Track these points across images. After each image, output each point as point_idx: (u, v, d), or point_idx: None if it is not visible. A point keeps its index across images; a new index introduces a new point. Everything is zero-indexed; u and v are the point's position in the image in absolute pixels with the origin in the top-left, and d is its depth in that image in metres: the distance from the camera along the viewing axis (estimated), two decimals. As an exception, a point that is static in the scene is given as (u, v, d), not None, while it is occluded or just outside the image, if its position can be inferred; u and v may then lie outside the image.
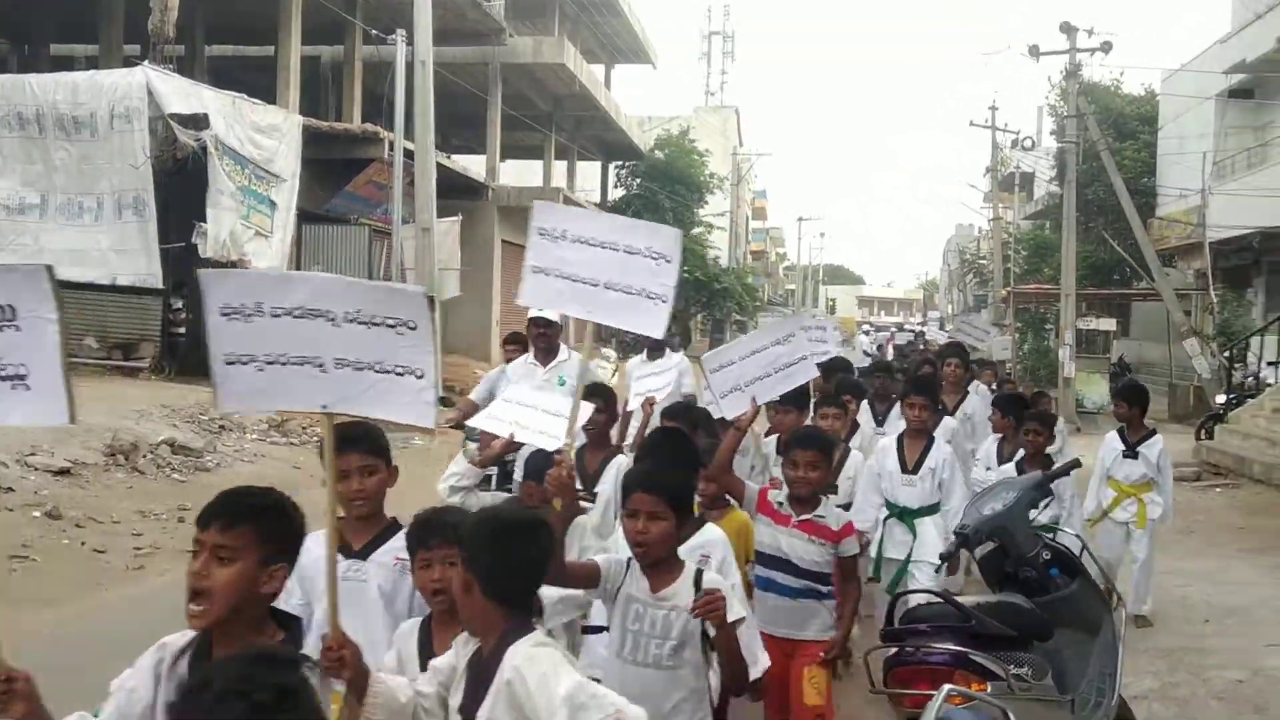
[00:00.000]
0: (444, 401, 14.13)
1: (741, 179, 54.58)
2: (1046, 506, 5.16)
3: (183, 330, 16.06)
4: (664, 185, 37.94)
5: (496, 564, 2.52)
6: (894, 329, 51.97)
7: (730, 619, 3.13)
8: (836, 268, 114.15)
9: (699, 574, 3.27)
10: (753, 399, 4.49)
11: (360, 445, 3.34)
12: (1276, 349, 17.90)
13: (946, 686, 3.15)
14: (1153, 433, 7.36)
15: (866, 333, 38.43)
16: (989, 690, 3.80)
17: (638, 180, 39.00)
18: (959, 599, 4.20)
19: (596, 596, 3.39)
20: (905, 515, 5.77)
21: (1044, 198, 39.95)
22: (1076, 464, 5.31)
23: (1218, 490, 12.69)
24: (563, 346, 7.06)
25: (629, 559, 3.30)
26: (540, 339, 6.90)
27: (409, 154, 17.05)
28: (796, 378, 4.69)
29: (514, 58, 26.34)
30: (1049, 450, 6.55)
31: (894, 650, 4.00)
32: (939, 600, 4.20)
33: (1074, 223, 22.91)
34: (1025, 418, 6.68)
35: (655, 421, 5.92)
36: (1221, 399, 17.85)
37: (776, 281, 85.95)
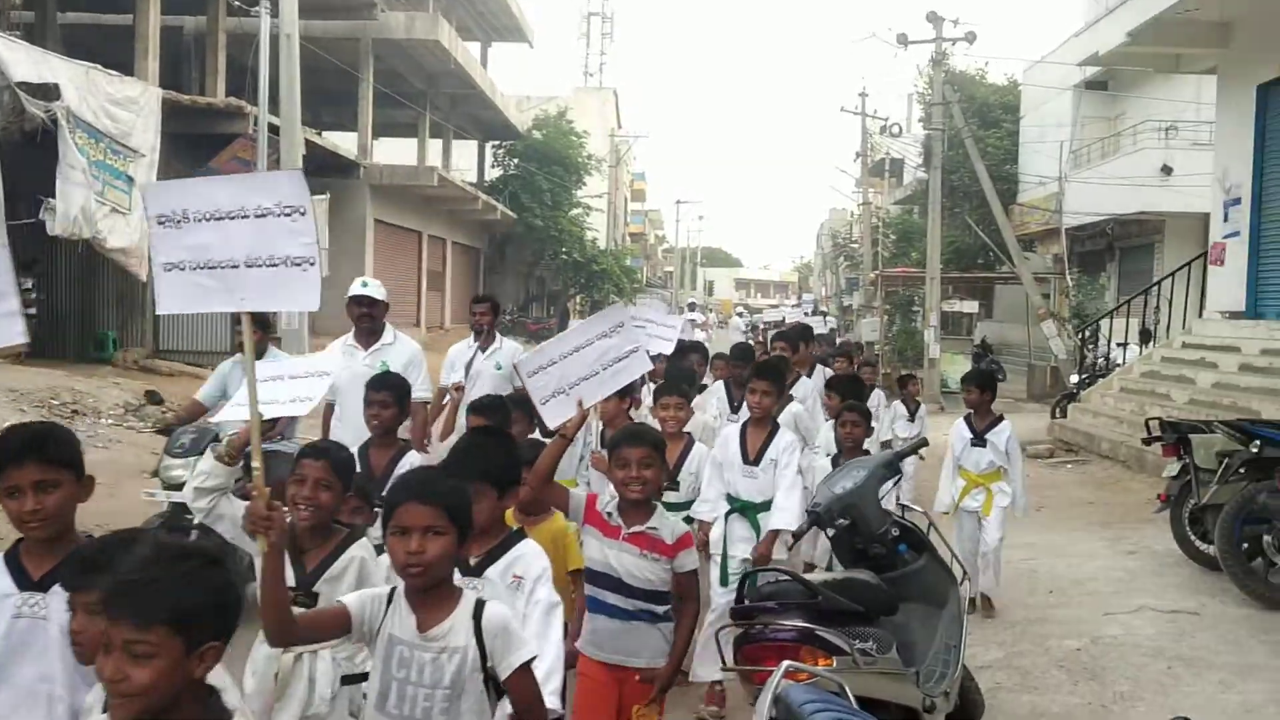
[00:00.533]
0: (153, 397, 13.83)
1: (620, 160, 54.63)
2: (896, 484, 5.29)
3: (34, 311, 15.37)
4: (542, 166, 37.72)
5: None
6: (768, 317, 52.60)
7: (516, 663, 2.72)
8: (715, 250, 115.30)
9: (479, 606, 2.75)
10: (579, 402, 4.01)
11: (37, 454, 2.72)
12: (1125, 331, 18.73)
13: (785, 663, 3.21)
14: (1000, 419, 7.13)
15: (741, 315, 38.45)
16: (834, 664, 3.89)
17: (515, 160, 38.72)
18: (807, 576, 4.27)
19: (354, 642, 2.93)
20: (748, 510, 5.44)
21: (912, 183, 41.00)
22: (924, 443, 5.47)
23: (1068, 466, 13.24)
24: (389, 328, 6.53)
25: (391, 590, 2.80)
26: (364, 319, 6.38)
27: (275, 130, 16.55)
28: (628, 373, 4.24)
29: (387, 33, 25.82)
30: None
31: (743, 628, 4.05)
32: (787, 578, 4.28)
33: (939, 208, 23.56)
34: (841, 408, 6.27)
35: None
36: (1075, 379, 18.61)
37: (655, 263, 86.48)
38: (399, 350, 6.41)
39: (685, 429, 5.72)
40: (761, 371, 5.79)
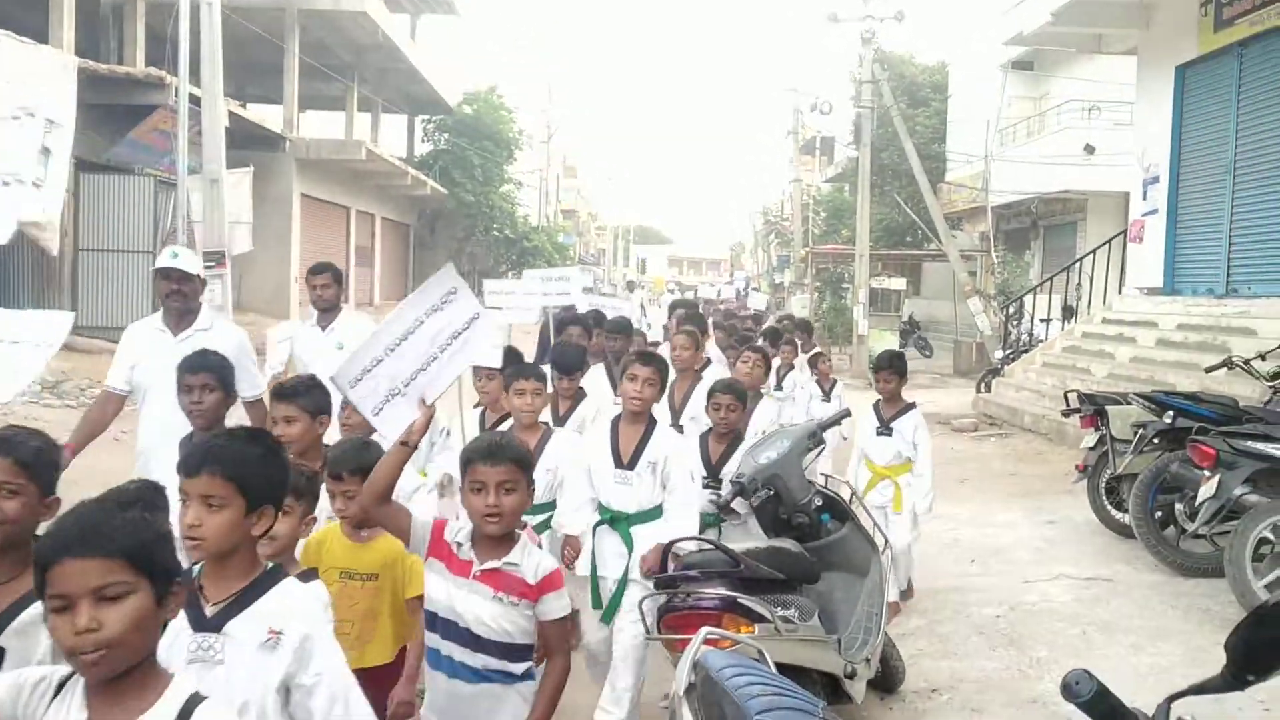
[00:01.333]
0: None
1: (552, 136, 54.30)
2: (819, 454, 5.34)
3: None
4: (473, 141, 37.34)
5: None
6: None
7: None
8: (648, 228, 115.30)
9: (191, 705, 1.90)
10: (421, 400, 3.20)
11: None
12: (1048, 307, 19.09)
13: (704, 629, 3.22)
14: (911, 406, 6.47)
15: (673, 292, 38.02)
16: (756, 632, 3.92)
17: (445, 135, 38.28)
18: (730, 545, 4.30)
19: None
20: (618, 522, 4.58)
21: (843, 161, 41.30)
22: (847, 413, 5.53)
23: (992, 440, 13.48)
24: (206, 310, 5.55)
25: (69, 674, 1.91)
26: (173, 298, 5.28)
27: (196, 101, 16.18)
28: (473, 347, 3.37)
29: (312, 4, 25.28)
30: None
31: (666, 597, 4.06)
32: (710, 547, 4.29)
33: (868, 186, 23.78)
34: (713, 389, 5.43)
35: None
36: (1000, 354, 18.95)
37: (588, 240, 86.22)
38: (218, 338, 5.19)
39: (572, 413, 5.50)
40: (646, 357, 4.88)
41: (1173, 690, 1.85)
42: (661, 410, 5.57)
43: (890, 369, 6.47)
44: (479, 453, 3.20)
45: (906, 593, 6.62)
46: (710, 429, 5.39)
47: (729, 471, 5.15)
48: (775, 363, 9.05)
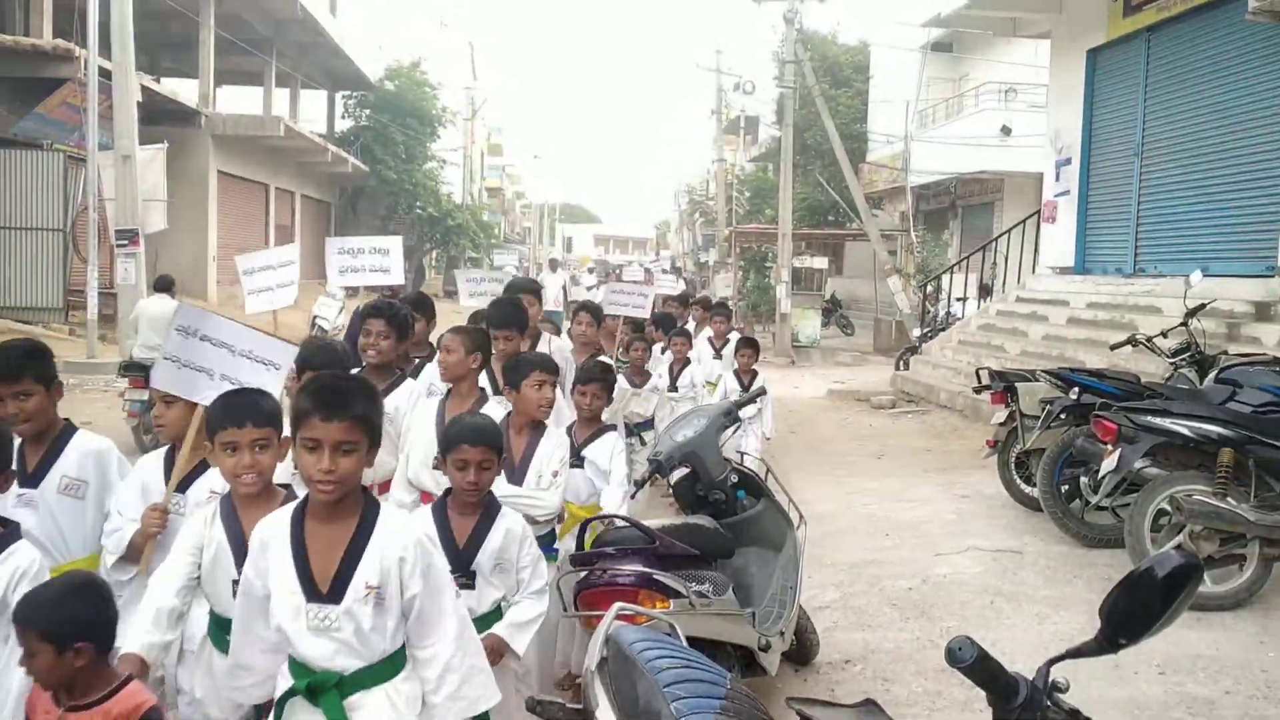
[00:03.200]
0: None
1: (475, 113, 53.76)
2: (735, 432, 5.42)
3: None
4: (395, 117, 36.87)
5: None
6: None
7: None
8: (575, 206, 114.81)
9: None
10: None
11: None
12: (965, 286, 19.47)
13: (617, 605, 3.27)
14: (610, 428, 5.31)
15: (591, 270, 35.85)
16: (671, 607, 3.99)
17: (367, 111, 37.74)
18: (646, 522, 4.36)
19: None
20: None
21: (767, 141, 41.54)
22: (762, 391, 5.61)
23: (909, 416, 13.74)
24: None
25: None
26: None
27: (107, 74, 15.78)
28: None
29: (228, -25, 24.81)
30: None
31: (583, 573, 4.11)
32: (627, 525, 4.35)
33: (790, 165, 23.98)
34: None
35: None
36: (918, 333, 19.30)
37: (514, 219, 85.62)
38: None
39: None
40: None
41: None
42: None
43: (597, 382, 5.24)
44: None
45: None
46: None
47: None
48: (667, 356, 8.80)
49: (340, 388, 2.75)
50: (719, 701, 2.66)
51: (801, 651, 5.28)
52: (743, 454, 5.71)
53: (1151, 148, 12.78)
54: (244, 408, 3.20)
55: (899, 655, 5.48)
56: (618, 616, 3.22)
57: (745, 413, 6.83)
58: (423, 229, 40.70)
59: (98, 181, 16.16)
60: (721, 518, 4.92)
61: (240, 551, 2.99)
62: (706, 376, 9.00)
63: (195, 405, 3.64)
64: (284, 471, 3.38)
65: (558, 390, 4.68)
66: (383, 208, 38.76)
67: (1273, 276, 10.38)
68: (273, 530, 2.74)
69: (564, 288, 24.43)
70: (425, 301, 6.71)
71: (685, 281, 32.13)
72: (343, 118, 38.44)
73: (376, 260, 8.84)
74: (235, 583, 2.95)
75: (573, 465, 4.78)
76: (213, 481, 3.54)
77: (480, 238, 44.42)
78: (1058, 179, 14.75)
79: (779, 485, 5.46)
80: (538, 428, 4.41)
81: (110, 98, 15.64)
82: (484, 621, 3.44)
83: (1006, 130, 23.31)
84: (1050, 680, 1.88)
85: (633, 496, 5.39)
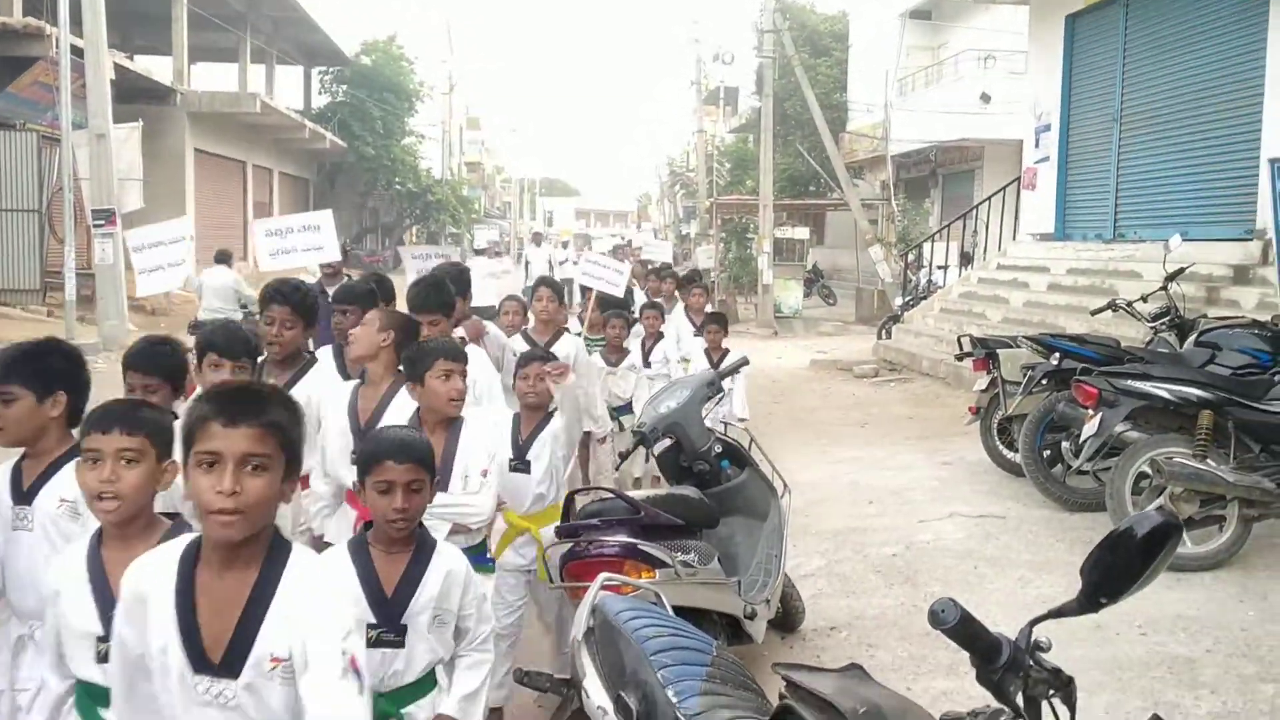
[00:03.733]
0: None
1: (454, 88, 53.44)
2: (719, 403, 5.43)
3: None
4: (372, 93, 36.62)
5: None
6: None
7: None
8: (555, 180, 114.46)
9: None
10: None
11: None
12: (946, 254, 19.49)
13: (602, 575, 3.29)
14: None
15: (565, 245, 34.66)
16: (656, 577, 4.01)
17: (343, 87, 37.46)
18: (630, 493, 4.37)
19: None
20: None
21: (747, 111, 41.42)
22: (745, 361, 5.62)
23: (892, 385, 13.79)
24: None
25: None
26: None
27: (79, 52, 15.60)
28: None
29: (200, -50, 24.52)
30: None
31: (568, 545, 4.12)
32: (611, 496, 4.36)
33: (771, 136, 23.91)
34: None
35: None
36: (900, 301, 19.32)
37: (494, 194, 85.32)
38: None
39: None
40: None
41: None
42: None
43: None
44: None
45: None
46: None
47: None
48: (640, 330, 8.42)
49: (251, 389, 2.31)
50: (705, 669, 2.69)
51: (787, 619, 5.32)
52: (726, 424, 5.72)
53: (1130, 113, 12.80)
54: (115, 412, 2.60)
55: (884, 621, 5.53)
56: (604, 587, 3.25)
57: (728, 383, 6.82)
58: (402, 205, 40.54)
59: (72, 161, 16.00)
60: (706, 488, 4.94)
61: (105, 601, 2.38)
62: (683, 353, 8.42)
63: (41, 406, 3.00)
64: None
65: (497, 383, 4.55)
66: (361, 184, 38.57)
67: (1251, 240, 10.43)
68: (152, 579, 2.10)
69: (550, 261, 24.17)
70: (385, 282, 6.33)
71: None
72: (319, 94, 38.19)
73: (308, 239, 8.29)
74: (101, 640, 2.39)
75: (515, 468, 4.48)
76: (64, 489, 2.90)
77: (460, 213, 44.27)
78: (1037, 145, 14.76)
79: (763, 455, 5.48)
80: (452, 424, 3.82)
81: (83, 76, 15.47)
82: (417, 689, 2.87)
83: (986, 97, 23.28)
84: (1033, 640, 1.90)
85: (616, 469, 5.40)
